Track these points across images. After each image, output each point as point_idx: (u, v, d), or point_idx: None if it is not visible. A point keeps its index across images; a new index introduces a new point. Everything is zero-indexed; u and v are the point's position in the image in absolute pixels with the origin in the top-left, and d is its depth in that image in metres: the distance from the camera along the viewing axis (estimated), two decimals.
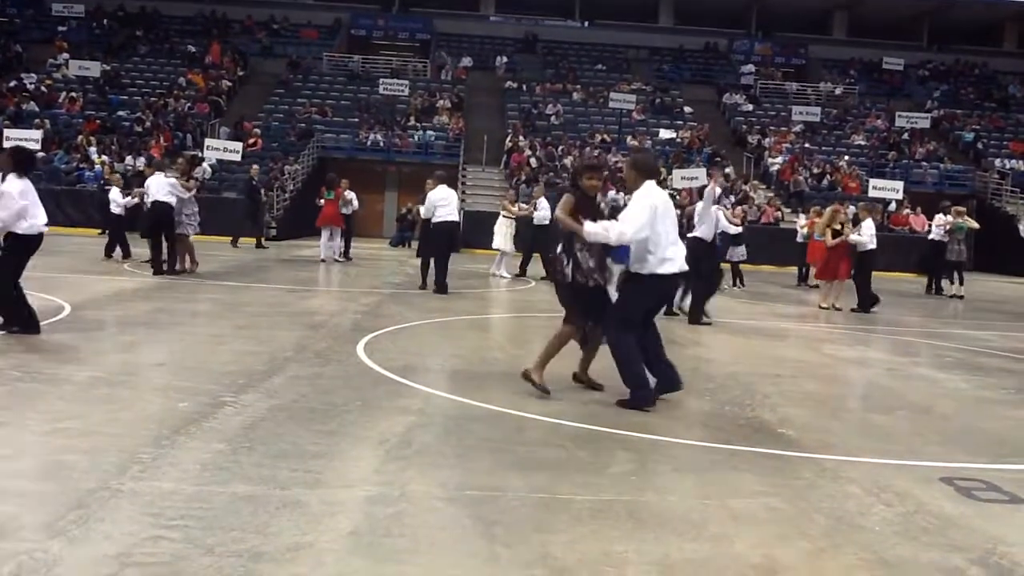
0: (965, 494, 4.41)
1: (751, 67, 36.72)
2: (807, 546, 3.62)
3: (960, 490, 4.46)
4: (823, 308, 13.40)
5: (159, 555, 3.15)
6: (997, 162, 30.46)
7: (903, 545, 3.67)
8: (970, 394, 7.45)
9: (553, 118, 31.49)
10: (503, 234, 16.35)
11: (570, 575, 3.18)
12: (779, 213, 26.28)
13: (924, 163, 30.23)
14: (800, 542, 3.65)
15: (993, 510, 4.23)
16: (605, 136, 30.10)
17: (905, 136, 31.70)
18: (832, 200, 20.49)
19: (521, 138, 29.06)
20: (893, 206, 26.42)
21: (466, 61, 35.58)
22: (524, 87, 33.75)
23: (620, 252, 5.95)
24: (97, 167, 24.72)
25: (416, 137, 29.07)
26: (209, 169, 25.14)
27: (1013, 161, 30.53)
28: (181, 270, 13.22)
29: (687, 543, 3.56)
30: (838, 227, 13.44)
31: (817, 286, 17.55)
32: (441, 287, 12.53)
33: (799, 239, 18.85)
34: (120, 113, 28.88)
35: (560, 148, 28.59)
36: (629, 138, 29.99)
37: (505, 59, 35.86)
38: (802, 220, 19.74)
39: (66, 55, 31.20)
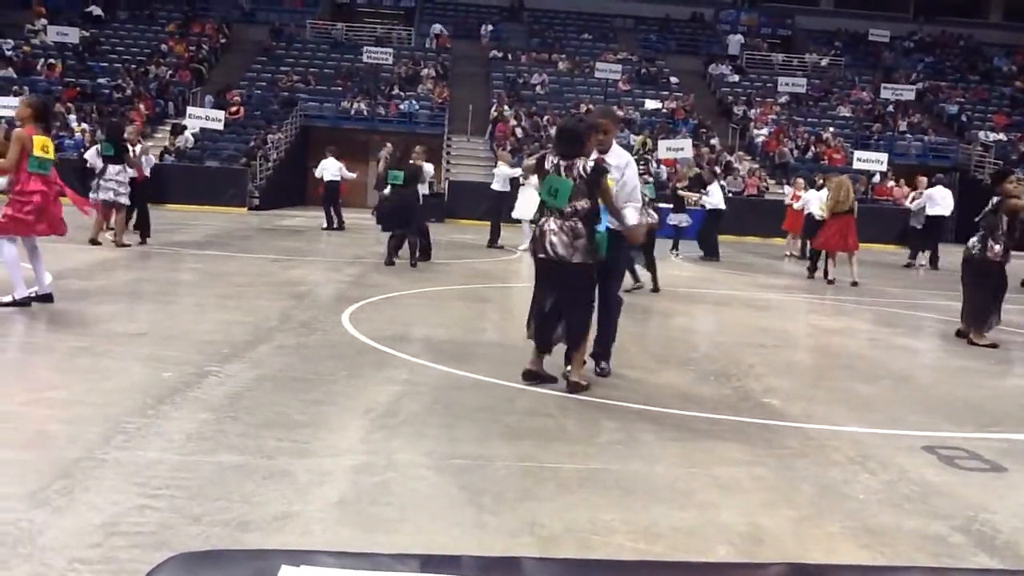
0: (947, 462, 4.45)
1: (738, 37, 36.54)
2: (792, 514, 3.65)
3: (942, 458, 4.51)
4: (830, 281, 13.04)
5: (145, 524, 3.14)
6: (980, 134, 30.52)
7: (886, 513, 3.70)
8: (952, 364, 7.51)
9: (538, 88, 31.28)
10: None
11: (557, 543, 3.19)
12: (764, 184, 26.30)
13: (908, 135, 30.28)
14: (785, 510, 3.68)
15: (975, 478, 4.28)
16: (590, 106, 29.91)
17: (890, 108, 31.72)
18: (816, 172, 20.49)
19: (506, 108, 28.87)
20: (877, 178, 26.48)
21: (436, 28, 35.02)
22: (509, 56, 33.48)
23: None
24: (77, 135, 24.41)
25: (404, 106, 28.80)
26: (192, 138, 24.87)
27: (996, 133, 30.61)
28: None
29: (674, 512, 3.58)
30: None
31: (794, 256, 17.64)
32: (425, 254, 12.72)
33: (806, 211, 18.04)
34: (100, 80, 28.47)
35: (545, 118, 28.41)
36: (615, 108, 29.83)
37: (490, 27, 35.51)
38: (813, 193, 17.05)
39: (44, 20, 30.67)
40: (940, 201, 16.95)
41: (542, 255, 5.44)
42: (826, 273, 13.46)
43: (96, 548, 2.93)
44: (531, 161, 6.04)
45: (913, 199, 17.88)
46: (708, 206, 16.85)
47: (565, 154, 5.40)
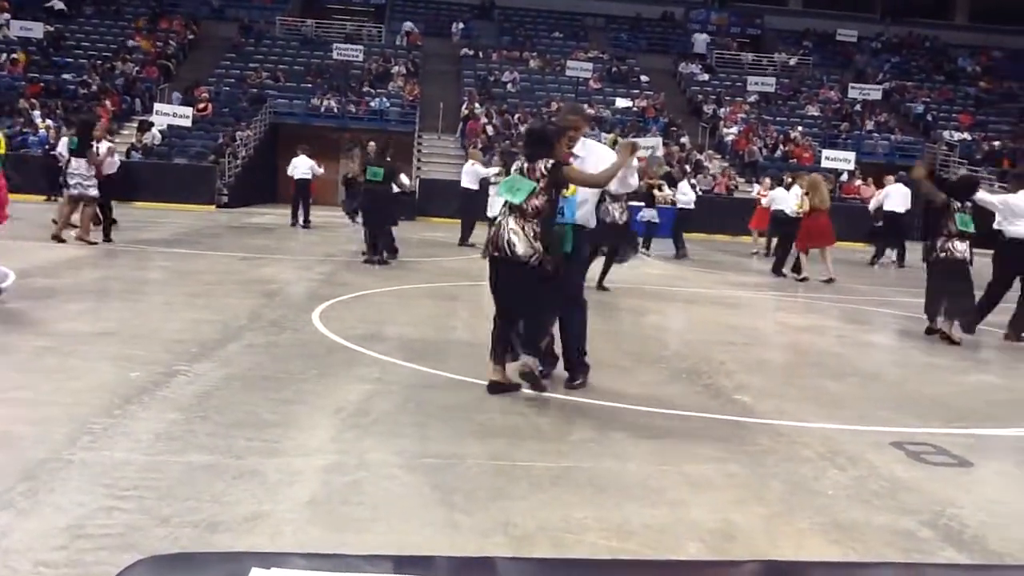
0: (915, 458, 4.51)
1: (704, 37, 36.75)
2: (763, 511, 3.67)
3: (910, 454, 4.56)
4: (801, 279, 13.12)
5: (112, 526, 3.09)
6: (945, 134, 30.94)
7: (856, 508, 3.74)
8: (919, 360, 7.60)
9: (509, 86, 31.27)
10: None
11: (530, 542, 3.18)
12: (733, 183, 26.49)
13: (875, 134, 30.64)
14: (756, 507, 3.70)
15: (942, 473, 4.33)
16: (561, 104, 29.95)
17: (857, 107, 32.06)
18: (785, 171, 20.65)
19: (477, 105, 28.84)
20: (845, 176, 26.76)
21: (406, 25, 34.90)
22: (480, 54, 33.45)
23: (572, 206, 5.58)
24: (42, 131, 24.03)
25: (375, 103, 28.67)
26: (159, 135, 24.59)
27: (960, 133, 31.05)
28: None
29: (645, 509, 3.58)
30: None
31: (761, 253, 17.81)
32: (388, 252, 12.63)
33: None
34: (65, 76, 28.06)
35: (516, 116, 28.42)
36: (585, 107, 29.89)
37: (461, 25, 35.45)
38: (780, 191, 16.04)
39: (7, 15, 30.17)
40: (897, 198, 17.12)
41: (496, 253, 5.24)
42: (798, 269, 13.59)
43: (62, 551, 2.88)
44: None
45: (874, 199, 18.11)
46: (680, 204, 16.95)
47: (531, 156, 5.32)
